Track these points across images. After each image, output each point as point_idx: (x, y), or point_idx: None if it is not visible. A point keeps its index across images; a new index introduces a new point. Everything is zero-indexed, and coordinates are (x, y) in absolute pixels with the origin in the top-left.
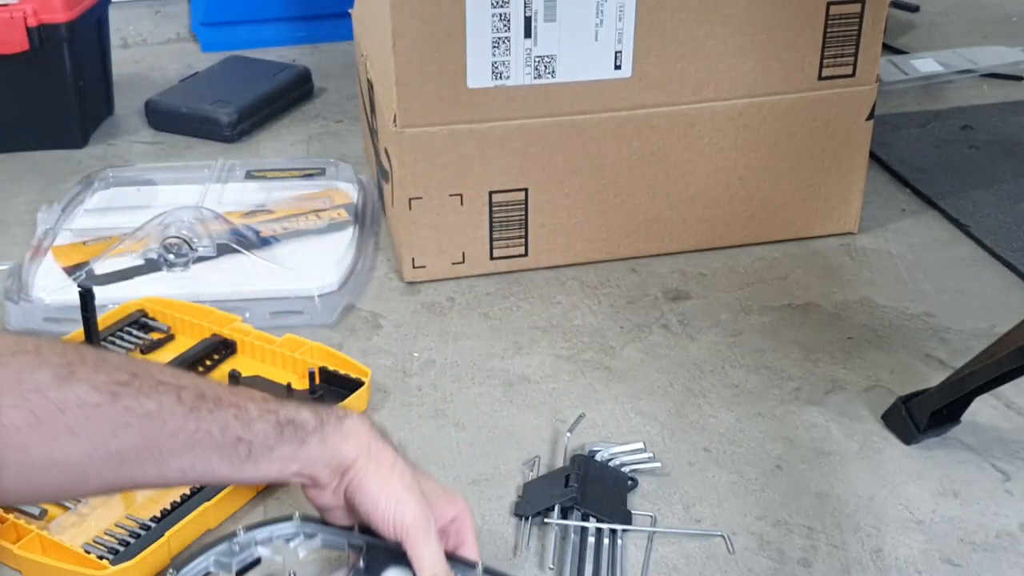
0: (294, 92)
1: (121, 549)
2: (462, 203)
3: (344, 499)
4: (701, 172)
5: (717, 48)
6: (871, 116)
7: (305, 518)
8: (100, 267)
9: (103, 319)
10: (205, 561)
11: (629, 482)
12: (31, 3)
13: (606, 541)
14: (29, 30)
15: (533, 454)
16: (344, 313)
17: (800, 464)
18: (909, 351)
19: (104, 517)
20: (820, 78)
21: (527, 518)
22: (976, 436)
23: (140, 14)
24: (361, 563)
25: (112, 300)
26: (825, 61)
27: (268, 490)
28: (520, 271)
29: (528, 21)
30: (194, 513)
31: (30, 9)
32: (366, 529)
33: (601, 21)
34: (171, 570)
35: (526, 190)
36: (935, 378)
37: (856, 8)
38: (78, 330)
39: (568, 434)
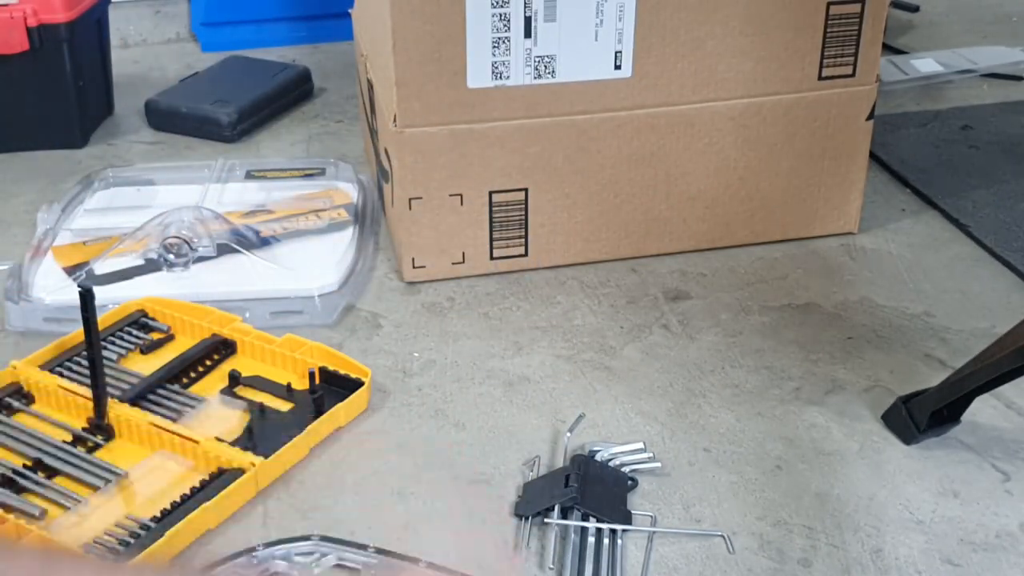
0: (294, 92)
1: (121, 549)
2: (462, 203)
3: None
4: (701, 172)
5: (717, 48)
6: (871, 116)
7: (323, 538)
8: (100, 267)
9: (103, 319)
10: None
11: (629, 482)
12: (31, 3)
13: (606, 541)
14: (29, 30)
15: (533, 454)
16: (344, 313)
17: (800, 464)
18: (909, 351)
19: (104, 517)
20: (820, 78)
21: (527, 518)
22: (976, 436)
23: (140, 14)
24: None
25: (112, 300)
26: (825, 61)
27: (268, 490)
28: (520, 271)
29: (528, 21)
30: (194, 513)
31: (30, 9)
32: (382, 550)
33: (601, 21)
34: None
35: (526, 190)
36: (935, 378)
37: (856, 8)
38: (78, 330)
39: (568, 434)
